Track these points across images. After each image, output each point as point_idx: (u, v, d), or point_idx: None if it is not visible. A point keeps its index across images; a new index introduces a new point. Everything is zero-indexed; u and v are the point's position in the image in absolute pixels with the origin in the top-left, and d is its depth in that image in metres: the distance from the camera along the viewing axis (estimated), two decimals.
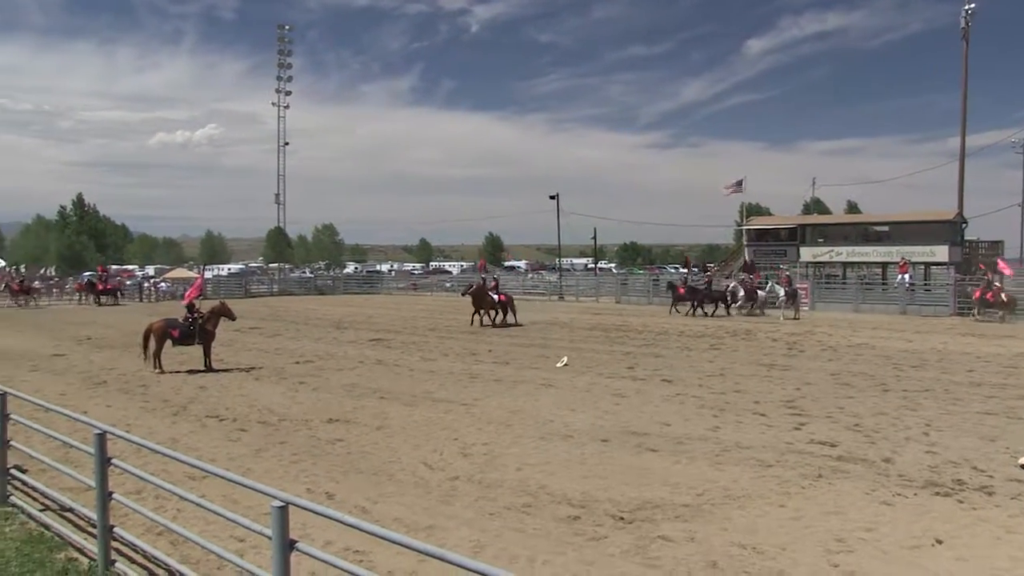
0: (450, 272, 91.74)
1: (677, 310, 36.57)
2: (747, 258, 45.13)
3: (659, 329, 29.51)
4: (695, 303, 36.12)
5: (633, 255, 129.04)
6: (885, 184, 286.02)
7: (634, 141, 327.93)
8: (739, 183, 51.85)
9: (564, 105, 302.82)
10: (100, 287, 48.13)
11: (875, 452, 10.90)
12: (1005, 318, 32.11)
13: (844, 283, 43.44)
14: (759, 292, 36.80)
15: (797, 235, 45.71)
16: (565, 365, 19.60)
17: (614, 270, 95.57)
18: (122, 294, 50.14)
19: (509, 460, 10.66)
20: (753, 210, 79.97)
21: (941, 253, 40.13)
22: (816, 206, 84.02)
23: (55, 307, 45.76)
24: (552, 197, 59.83)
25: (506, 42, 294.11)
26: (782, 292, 34.46)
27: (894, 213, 47.56)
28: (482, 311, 31.01)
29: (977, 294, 33.38)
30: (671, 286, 38.80)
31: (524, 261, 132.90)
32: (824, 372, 18.40)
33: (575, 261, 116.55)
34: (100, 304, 46.54)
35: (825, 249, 44.39)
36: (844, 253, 44.07)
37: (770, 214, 73.34)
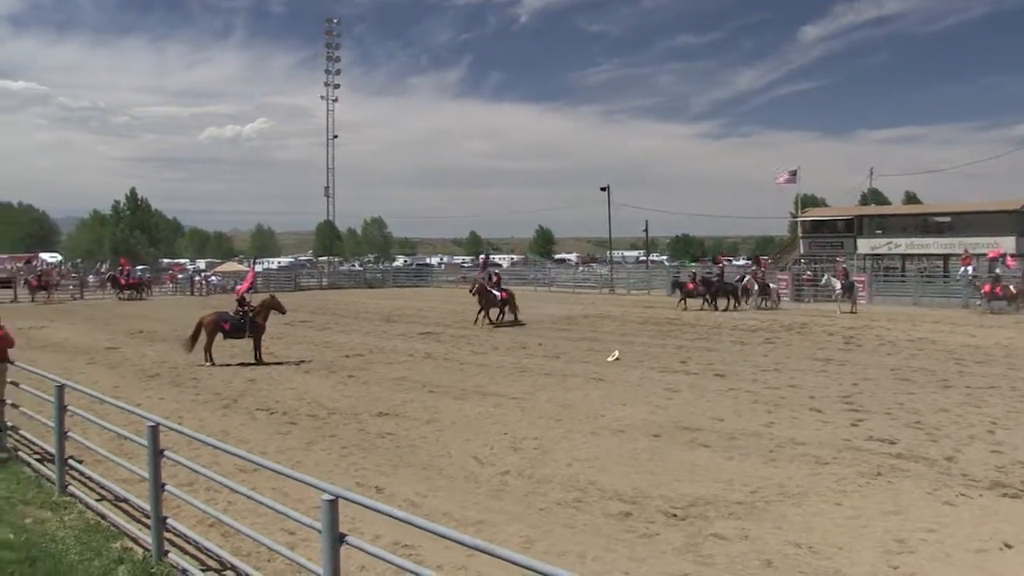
0: (500, 265, 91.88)
1: (686, 306, 35.59)
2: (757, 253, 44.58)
3: (712, 323, 29.17)
4: (707, 297, 35.47)
5: (685, 247, 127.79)
6: (946, 173, 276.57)
7: (685, 131, 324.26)
8: (793, 173, 51.01)
9: (615, 96, 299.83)
10: (123, 281, 47.85)
11: (937, 450, 10.57)
12: (1020, 308, 31.53)
13: (903, 276, 42.47)
14: (769, 285, 36.41)
15: (854, 226, 44.86)
16: (616, 359, 19.44)
17: (666, 263, 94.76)
18: (146, 289, 49.58)
19: (559, 455, 10.57)
20: (808, 201, 78.56)
21: (1006, 244, 38.86)
22: (874, 196, 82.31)
23: (86, 301, 46.13)
24: (603, 189, 59.74)
25: (555, 32, 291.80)
26: (838, 285, 33.73)
27: (956, 203, 46.54)
28: (488, 309, 29.42)
29: (987, 288, 32.49)
30: (677, 284, 37.95)
31: (575, 254, 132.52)
32: (883, 367, 17.98)
33: (626, 254, 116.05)
34: (121, 299, 46.41)
35: (883, 241, 43.50)
36: (903, 245, 43.14)
37: (826, 205, 72.09)
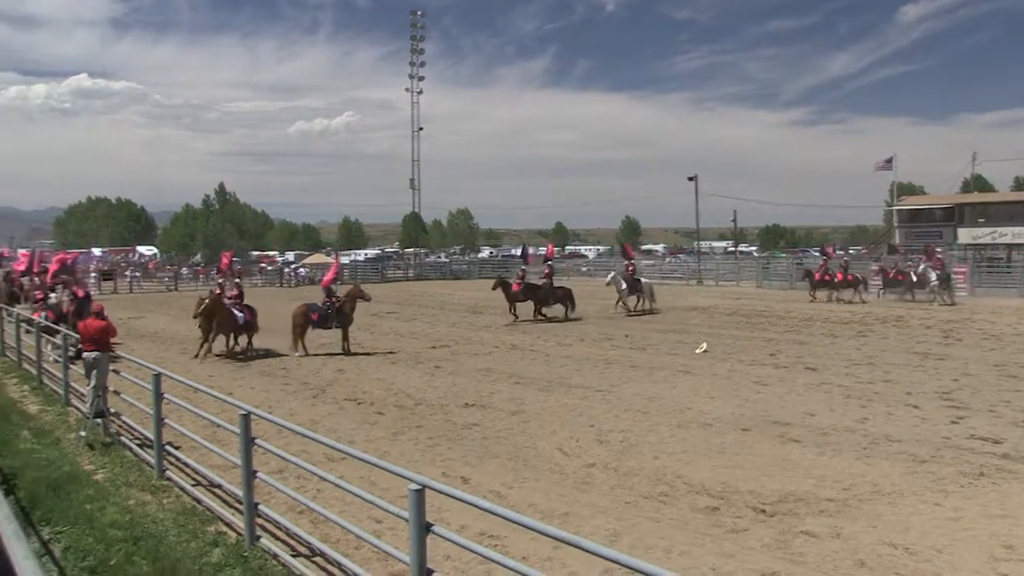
0: (586, 256, 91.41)
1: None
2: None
3: (802, 315, 28.48)
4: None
5: (775, 238, 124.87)
6: None
7: (776, 119, 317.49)
8: (888, 160, 49.40)
9: (703, 83, 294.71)
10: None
11: None
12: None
13: (1009, 267, 40.55)
14: (951, 276, 34.20)
15: (954, 215, 43.25)
16: (704, 351, 19.19)
17: (755, 253, 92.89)
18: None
19: (646, 448, 10.49)
20: (905, 189, 75.87)
21: None
22: (977, 183, 78.85)
23: (180, 292, 47.45)
24: (690, 179, 58.79)
25: (642, 20, 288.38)
26: (934, 276, 32.50)
27: None
28: (513, 304, 27.83)
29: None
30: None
31: (662, 245, 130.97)
32: (986, 362, 17.29)
33: (714, 244, 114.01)
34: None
35: (987, 230, 41.80)
36: (1009, 234, 41.29)
37: (923, 193, 69.61)
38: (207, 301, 18.99)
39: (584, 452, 10.35)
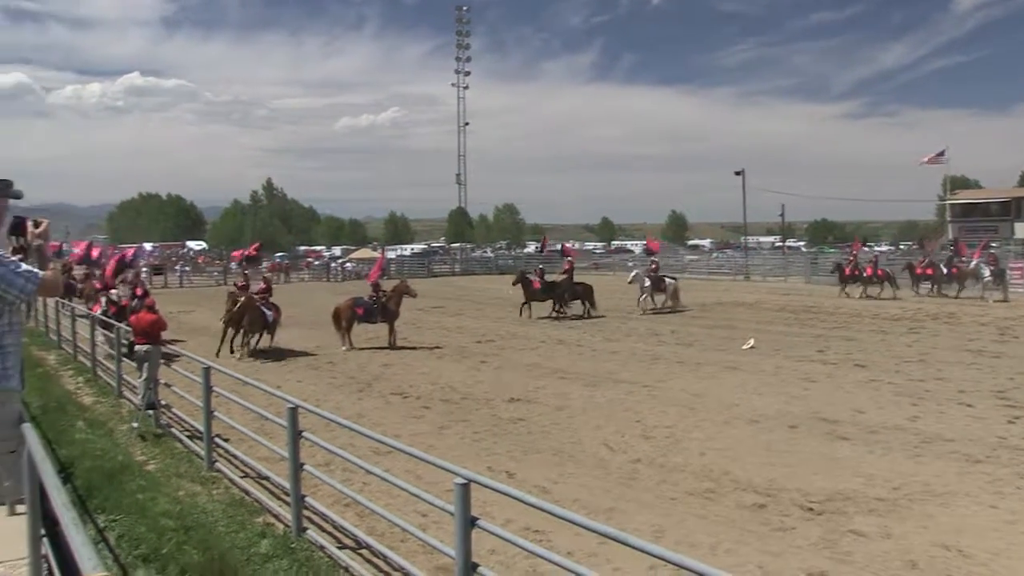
0: (632, 251, 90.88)
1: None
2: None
3: (851, 311, 28.04)
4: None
5: (824, 233, 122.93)
6: None
7: (826, 112, 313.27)
8: (940, 153, 48.37)
9: (751, 77, 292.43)
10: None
11: None
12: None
13: None
14: (1005, 272, 33.02)
15: (1011, 209, 42.18)
16: (751, 347, 19.02)
17: (803, 249, 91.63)
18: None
19: (692, 444, 10.43)
20: (959, 183, 74.14)
21: None
22: None
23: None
24: (737, 173, 58.16)
25: (689, 13, 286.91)
26: (987, 272, 31.74)
27: None
28: (530, 302, 27.23)
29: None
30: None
31: (708, 240, 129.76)
32: None
33: (761, 239, 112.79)
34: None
35: None
36: None
37: (978, 187, 68.04)
38: (241, 301, 18.80)
39: (629, 448, 10.32)
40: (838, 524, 7.50)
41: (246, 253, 26.21)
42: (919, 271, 34.35)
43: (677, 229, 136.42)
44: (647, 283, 28.66)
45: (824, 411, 12.20)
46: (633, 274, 29.86)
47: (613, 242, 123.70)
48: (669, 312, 28.29)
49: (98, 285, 20.28)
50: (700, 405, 12.78)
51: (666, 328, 23.41)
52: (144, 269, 48.86)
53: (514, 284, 27.95)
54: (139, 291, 16.91)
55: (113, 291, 18.71)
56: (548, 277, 28.28)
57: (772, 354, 18.06)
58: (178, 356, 12.78)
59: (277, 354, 18.91)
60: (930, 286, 33.79)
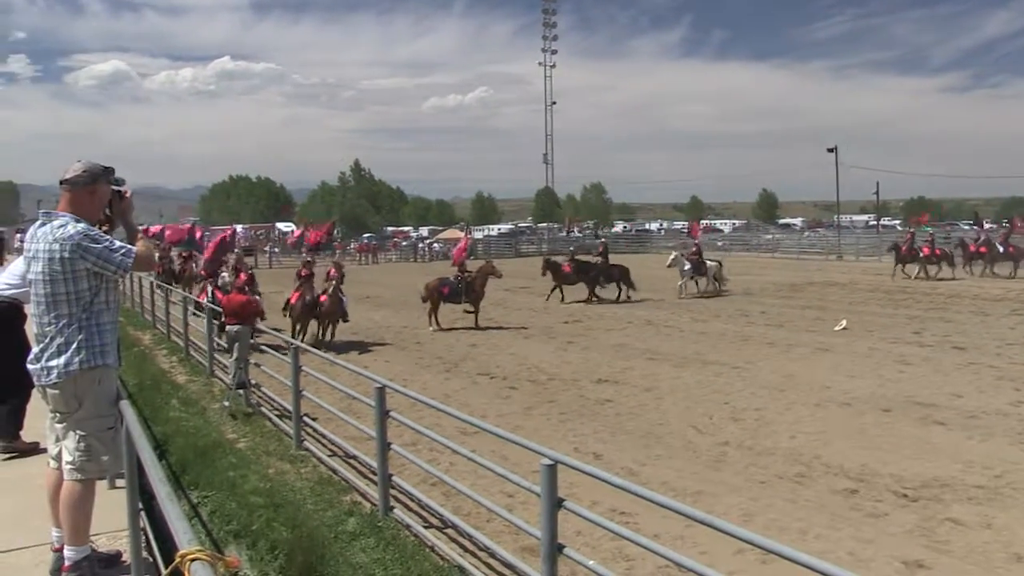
0: (721, 231, 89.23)
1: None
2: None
3: (949, 292, 27.06)
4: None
5: (920, 211, 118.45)
6: None
7: (924, 85, 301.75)
8: None
9: (846, 50, 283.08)
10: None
11: None
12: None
13: None
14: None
15: None
16: (844, 328, 18.56)
17: (898, 227, 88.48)
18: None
19: (782, 427, 10.26)
20: None
21: None
22: None
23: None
24: (830, 150, 56.63)
25: None
26: None
27: None
28: (560, 286, 26.40)
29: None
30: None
31: (800, 219, 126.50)
32: None
33: (855, 218, 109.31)
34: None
35: None
36: None
37: None
38: (327, 299, 16.91)
39: (718, 430, 10.21)
40: (934, 512, 7.29)
41: (317, 235, 25.25)
42: (972, 248, 33.15)
43: (768, 208, 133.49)
44: (687, 267, 27.42)
45: (919, 395, 11.85)
46: (672, 257, 28.43)
47: (702, 221, 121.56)
48: (714, 296, 27.01)
49: (205, 273, 18.75)
50: (790, 387, 12.55)
51: (756, 308, 23.01)
52: (235, 250, 50.26)
53: (543, 273, 26.67)
54: (243, 276, 15.80)
55: (224, 275, 16.70)
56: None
57: (865, 335, 17.59)
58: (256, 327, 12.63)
59: (366, 334, 19.19)
60: (983, 265, 32.72)
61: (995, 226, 46.47)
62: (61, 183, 4.52)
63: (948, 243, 35.96)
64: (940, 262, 32.34)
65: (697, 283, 27.80)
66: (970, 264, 33.17)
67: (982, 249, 33.05)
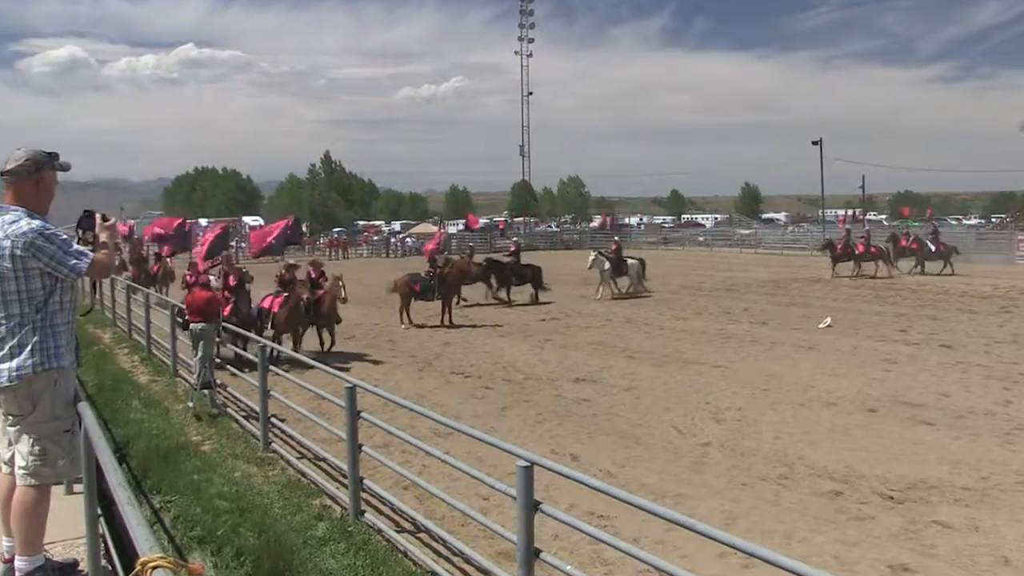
0: (703, 225, 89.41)
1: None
2: None
3: (937, 288, 27.02)
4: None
5: (907, 205, 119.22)
6: None
7: (911, 76, 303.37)
8: None
9: (831, 40, 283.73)
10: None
11: None
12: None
13: None
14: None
15: None
16: (828, 326, 18.45)
17: (885, 222, 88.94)
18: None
19: (765, 427, 10.11)
20: None
21: None
22: None
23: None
24: (815, 143, 56.74)
25: None
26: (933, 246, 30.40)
27: None
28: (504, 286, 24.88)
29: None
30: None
31: (783, 213, 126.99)
32: None
33: (840, 213, 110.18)
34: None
35: None
36: None
37: None
38: (325, 300, 15.49)
39: (699, 431, 10.04)
40: (921, 514, 7.15)
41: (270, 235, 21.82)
42: (904, 244, 33.37)
43: (750, 202, 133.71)
44: (606, 267, 25.60)
45: (906, 394, 11.72)
46: (592, 257, 26.41)
47: (683, 216, 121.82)
48: (633, 297, 25.83)
49: (189, 277, 16.25)
50: (774, 387, 12.39)
51: (738, 306, 22.89)
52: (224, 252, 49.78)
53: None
54: (233, 280, 14.76)
55: (212, 279, 14.49)
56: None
57: (851, 333, 17.46)
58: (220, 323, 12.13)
59: (337, 331, 18.72)
60: (915, 263, 32.92)
61: (983, 221, 46.57)
62: (2, 175, 4.30)
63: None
64: (876, 260, 32.05)
65: (616, 283, 26.25)
66: (895, 260, 32.70)
67: (913, 245, 33.24)
